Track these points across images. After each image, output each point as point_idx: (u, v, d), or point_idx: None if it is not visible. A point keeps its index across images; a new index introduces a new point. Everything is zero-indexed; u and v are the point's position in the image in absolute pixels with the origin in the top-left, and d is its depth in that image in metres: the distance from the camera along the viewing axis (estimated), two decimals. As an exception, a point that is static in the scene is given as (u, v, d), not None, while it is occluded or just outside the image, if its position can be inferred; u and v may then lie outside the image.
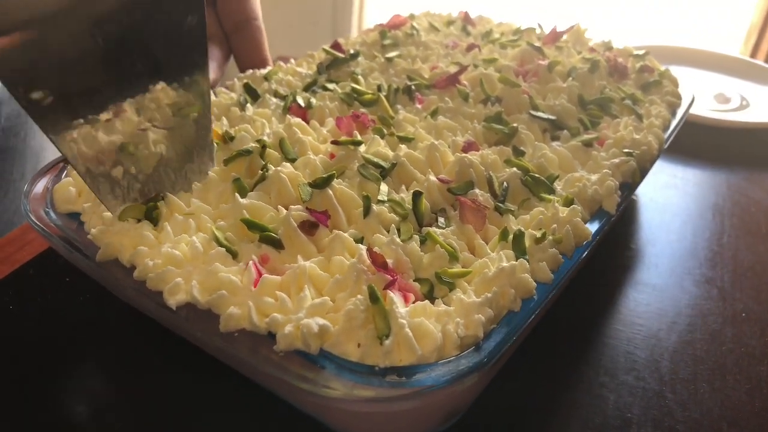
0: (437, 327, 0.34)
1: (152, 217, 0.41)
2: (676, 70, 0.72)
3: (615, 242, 0.62)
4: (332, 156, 0.47)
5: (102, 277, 0.39)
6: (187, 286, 0.36)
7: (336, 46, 0.67)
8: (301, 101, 0.54)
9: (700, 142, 0.85)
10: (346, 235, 0.39)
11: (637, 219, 0.68)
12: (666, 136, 0.58)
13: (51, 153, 0.76)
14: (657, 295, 0.56)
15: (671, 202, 0.71)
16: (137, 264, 0.37)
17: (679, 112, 0.64)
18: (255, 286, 0.35)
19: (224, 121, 0.52)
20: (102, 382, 0.44)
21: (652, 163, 0.54)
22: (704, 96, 0.94)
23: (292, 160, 0.46)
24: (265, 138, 0.47)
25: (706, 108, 0.89)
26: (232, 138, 0.48)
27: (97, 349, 0.46)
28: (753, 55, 2.07)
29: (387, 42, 0.69)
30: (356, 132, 0.49)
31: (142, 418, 0.41)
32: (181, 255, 0.37)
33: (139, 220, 0.41)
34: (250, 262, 0.36)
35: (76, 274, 0.52)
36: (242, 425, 0.41)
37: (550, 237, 0.41)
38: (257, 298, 0.34)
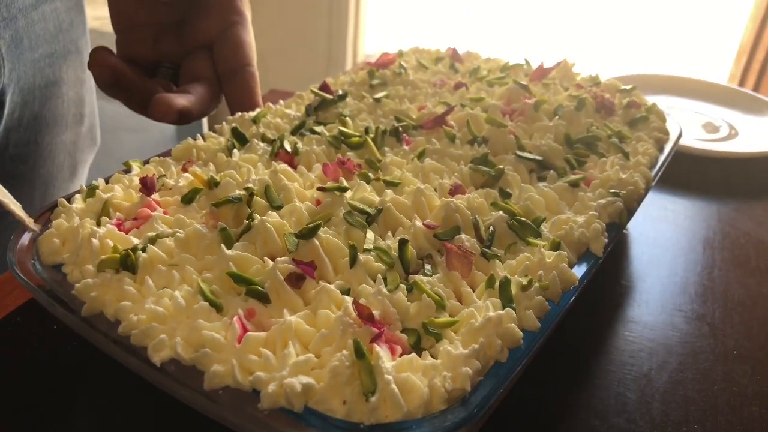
0: (424, 381, 0.34)
1: (128, 265, 0.41)
2: (663, 100, 0.73)
3: (605, 279, 0.62)
4: (318, 203, 0.47)
5: (85, 333, 0.38)
6: (171, 342, 0.35)
7: (324, 87, 0.67)
8: (288, 147, 0.54)
9: (690, 173, 0.85)
10: (332, 287, 0.39)
11: (627, 254, 0.68)
12: (653, 173, 0.58)
13: (60, 182, 0.76)
14: (648, 333, 0.56)
15: (662, 235, 0.72)
16: (122, 319, 0.37)
17: (667, 148, 0.64)
18: (239, 343, 0.35)
19: (211, 166, 0.52)
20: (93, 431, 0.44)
21: (639, 202, 0.54)
22: (693, 125, 0.95)
23: (278, 208, 0.46)
24: (251, 184, 0.47)
25: (694, 138, 0.90)
26: (217, 183, 0.48)
27: (87, 397, 0.46)
28: (743, 76, 2.09)
29: (375, 82, 0.70)
30: (342, 178, 0.49)
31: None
32: (165, 311, 0.37)
33: (117, 270, 0.41)
34: (235, 318, 0.36)
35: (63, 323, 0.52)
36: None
37: (537, 284, 0.41)
38: (241, 356, 0.34)
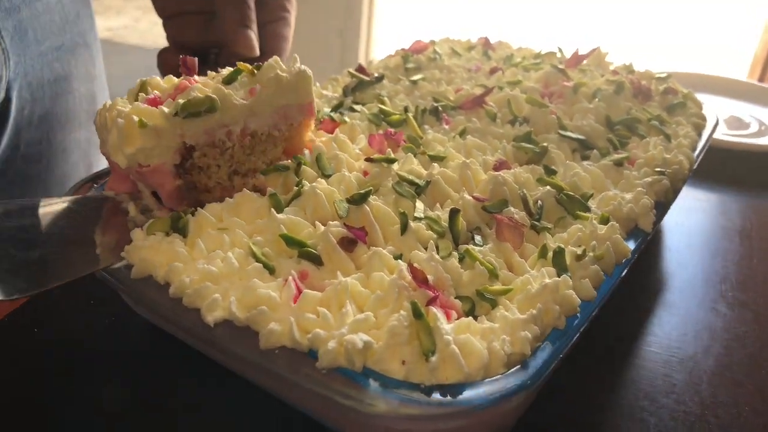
0: (483, 344, 0.33)
1: (179, 228, 0.40)
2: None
3: (644, 266, 0.61)
4: (366, 173, 0.46)
5: (135, 297, 0.38)
6: (225, 302, 0.35)
7: (360, 69, 0.67)
8: (333, 116, 0.54)
9: (719, 167, 0.84)
10: (385, 251, 0.38)
11: (664, 242, 0.67)
12: (695, 155, 0.57)
13: (75, 180, 0.74)
14: (691, 318, 0.55)
15: (698, 225, 0.71)
16: (173, 281, 0.37)
17: (705, 134, 0.63)
18: (295, 302, 0.34)
19: None
20: (127, 404, 0.43)
21: (683, 182, 0.53)
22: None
23: (328, 176, 0.45)
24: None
25: (719, 132, 0.89)
26: (259, 67, 0.47)
27: (121, 373, 0.45)
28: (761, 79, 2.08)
29: (410, 65, 0.69)
30: (389, 150, 0.49)
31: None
32: (218, 271, 0.36)
33: (167, 234, 0.40)
34: (290, 277, 0.36)
35: (101, 297, 0.51)
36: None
37: (591, 254, 0.40)
38: (298, 314, 0.34)
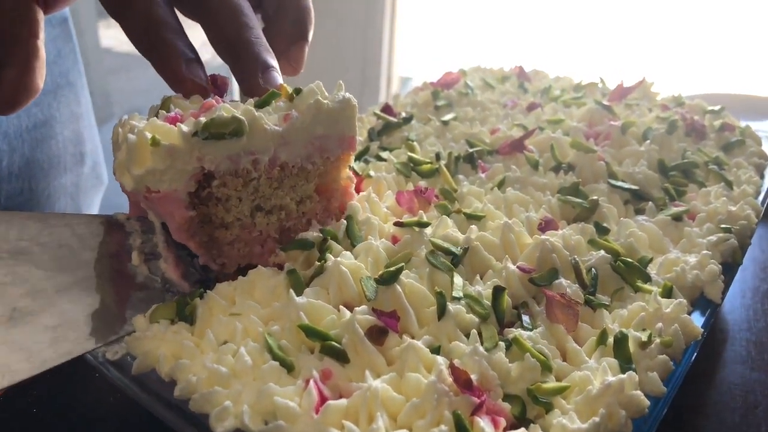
0: (538, 464, 0.28)
1: (185, 315, 0.36)
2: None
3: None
4: (395, 240, 0.41)
5: (134, 397, 0.33)
6: (237, 409, 0.30)
7: (387, 109, 0.62)
8: (356, 168, 0.49)
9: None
10: (419, 344, 0.33)
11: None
12: (760, 201, 0.51)
13: None
14: (760, 387, 0.48)
15: (756, 270, 0.64)
16: (179, 379, 0.32)
17: (768, 174, 0.57)
18: (317, 413, 0.30)
19: None
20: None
21: (751, 237, 0.47)
22: None
23: (354, 245, 0.40)
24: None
25: None
26: (298, 91, 0.41)
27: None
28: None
29: (440, 103, 0.64)
30: (421, 212, 0.44)
31: None
32: (229, 370, 0.32)
33: (172, 321, 0.36)
34: (311, 381, 0.31)
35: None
36: None
37: (657, 339, 0.35)
38: (321, 429, 0.29)
